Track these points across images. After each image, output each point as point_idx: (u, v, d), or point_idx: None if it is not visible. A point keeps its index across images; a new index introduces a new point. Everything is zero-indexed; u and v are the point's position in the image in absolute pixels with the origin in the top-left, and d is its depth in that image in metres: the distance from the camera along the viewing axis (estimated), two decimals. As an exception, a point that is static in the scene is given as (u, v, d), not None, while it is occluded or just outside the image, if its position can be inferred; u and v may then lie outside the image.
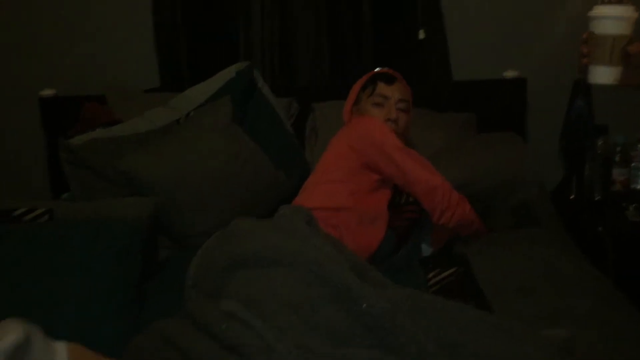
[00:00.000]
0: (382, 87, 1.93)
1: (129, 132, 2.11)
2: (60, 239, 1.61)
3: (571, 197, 2.42)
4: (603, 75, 1.19)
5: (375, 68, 2.52)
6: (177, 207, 1.95)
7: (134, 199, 1.84)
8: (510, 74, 2.51)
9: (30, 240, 1.58)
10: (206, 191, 1.96)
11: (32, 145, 2.61)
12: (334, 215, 1.74)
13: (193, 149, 1.99)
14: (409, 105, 1.96)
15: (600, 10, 1.17)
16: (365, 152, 1.81)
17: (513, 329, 1.13)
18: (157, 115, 2.18)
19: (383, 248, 1.78)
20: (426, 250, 1.90)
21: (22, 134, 2.66)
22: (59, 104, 2.54)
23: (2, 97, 2.66)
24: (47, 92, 2.55)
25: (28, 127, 2.61)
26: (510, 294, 1.55)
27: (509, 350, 1.08)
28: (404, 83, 1.98)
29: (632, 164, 2.41)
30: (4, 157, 2.69)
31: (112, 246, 1.62)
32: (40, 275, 1.52)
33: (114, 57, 2.61)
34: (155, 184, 1.91)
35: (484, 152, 2.06)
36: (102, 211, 1.75)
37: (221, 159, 1.98)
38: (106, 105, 2.38)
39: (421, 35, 2.50)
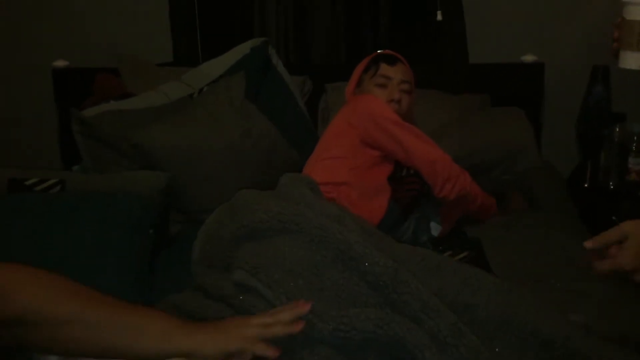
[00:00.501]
0: (384, 68, 1.93)
1: (143, 106, 2.10)
2: (72, 210, 1.61)
3: (585, 185, 2.40)
4: (631, 60, 1.20)
5: (392, 48, 2.50)
6: (190, 181, 1.95)
7: (147, 172, 1.83)
8: (528, 58, 2.47)
9: (42, 210, 1.58)
10: (219, 166, 1.95)
11: (44, 116, 2.60)
12: (334, 189, 1.77)
13: (207, 124, 1.97)
14: (411, 87, 1.97)
15: None
16: (365, 128, 1.82)
17: (525, 295, 1.12)
18: (170, 90, 2.16)
19: (387, 220, 1.78)
20: (435, 228, 1.89)
21: (34, 105, 2.65)
22: (71, 75, 2.52)
23: (15, 67, 2.65)
24: (60, 64, 2.53)
25: (40, 98, 2.60)
26: (523, 279, 1.53)
27: (520, 312, 1.07)
28: (407, 64, 1.98)
29: (649, 153, 2.38)
30: (16, 127, 2.69)
31: (124, 219, 1.62)
32: (51, 246, 1.52)
33: (128, 30, 2.59)
34: (168, 158, 1.91)
35: (485, 125, 2.15)
36: (114, 184, 1.75)
37: (234, 135, 1.97)
38: (119, 78, 2.36)
39: (439, 16, 2.46)
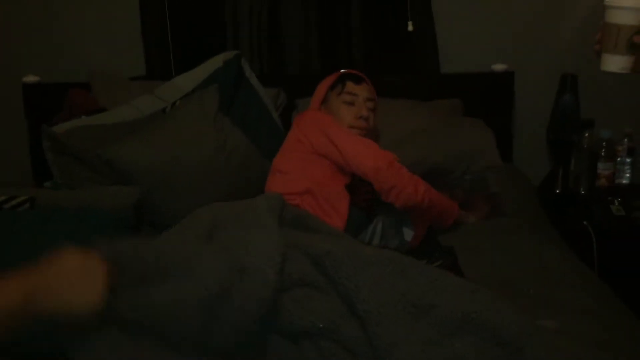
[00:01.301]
0: (351, 86, 2.02)
1: (115, 120, 2.09)
2: (41, 227, 1.59)
3: (557, 191, 2.43)
4: (610, 63, 1.21)
5: (365, 59, 2.53)
6: (163, 196, 1.93)
7: (118, 187, 1.82)
8: (498, 67, 2.50)
9: (10, 227, 1.56)
10: (193, 180, 1.94)
11: (15, 132, 2.56)
12: (297, 198, 1.83)
13: (180, 138, 1.97)
14: (375, 105, 2.05)
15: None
16: (312, 139, 1.90)
17: (491, 296, 1.14)
18: (143, 104, 2.15)
19: (351, 225, 1.81)
20: (408, 233, 1.90)
21: (5, 120, 2.61)
22: (42, 90, 2.50)
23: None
24: (31, 79, 2.50)
25: (11, 114, 2.56)
26: (497, 287, 1.55)
27: (485, 310, 1.09)
28: (370, 84, 2.07)
29: (618, 159, 2.43)
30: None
31: (94, 235, 1.59)
32: (19, 263, 1.49)
33: (100, 43, 2.57)
34: (140, 173, 1.90)
35: (446, 130, 2.20)
36: (85, 200, 1.73)
37: (208, 148, 1.97)
38: (91, 93, 2.34)
39: (410, 27, 2.49)
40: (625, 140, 2.42)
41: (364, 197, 1.84)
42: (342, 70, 2.10)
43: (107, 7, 2.55)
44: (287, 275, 1.15)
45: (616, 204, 2.29)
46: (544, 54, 2.53)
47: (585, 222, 2.19)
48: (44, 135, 1.97)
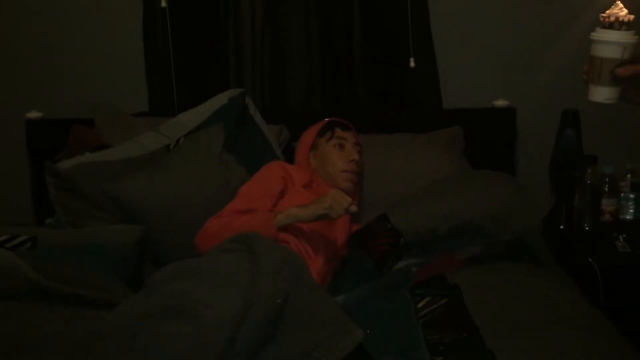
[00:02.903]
0: (340, 132, 2.12)
1: (119, 157, 2.09)
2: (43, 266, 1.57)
3: (561, 227, 2.42)
4: (595, 94, 1.25)
5: (367, 95, 2.55)
6: (166, 233, 1.93)
7: (120, 226, 1.82)
8: (500, 102, 2.52)
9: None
10: (197, 217, 1.93)
11: (17, 169, 2.56)
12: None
13: (185, 175, 1.98)
14: (362, 150, 2.15)
15: (595, 33, 1.22)
16: None
17: None
18: (147, 140, 2.16)
19: (351, 272, 1.86)
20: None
21: (6, 157, 2.61)
22: (45, 126, 2.50)
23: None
24: (34, 115, 2.51)
25: (13, 150, 2.56)
26: (503, 328, 1.53)
27: None
28: (354, 131, 2.17)
29: (621, 195, 2.42)
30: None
31: (96, 273, 1.58)
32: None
33: (103, 79, 2.59)
34: (145, 210, 1.90)
35: (475, 184, 2.05)
36: (87, 238, 1.72)
37: (213, 186, 1.98)
38: (94, 129, 2.35)
39: (412, 63, 2.51)
40: (629, 176, 2.42)
41: (379, 247, 1.83)
42: (326, 119, 2.17)
43: (111, 43, 2.58)
44: None
45: (621, 240, 2.27)
46: (545, 90, 2.55)
47: (590, 259, 2.18)
48: (48, 172, 1.97)
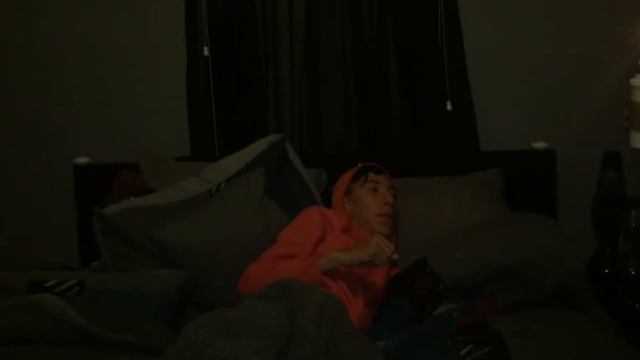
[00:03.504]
0: (373, 176, 2.14)
1: (162, 202, 2.15)
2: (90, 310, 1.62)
3: (606, 271, 2.37)
4: (638, 141, 1.22)
5: (404, 137, 2.56)
6: (209, 277, 1.97)
7: (163, 271, 1.86)
8: (538, 145, 2.50)
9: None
10: (240, 262, 1.97)
11: (64, 212, 2.64)
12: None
13: (227, 220, 2.02)
14: (396, 193, 2.16)
15: (636, 80, 1.21)
16: None
17: None
18: (189, 185, 2.21)
19: (387, 316, 1.85)
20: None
21: (55, 200, 2.70)
22: (92, 171, 2.59)
23: (37, 164, 2.71)
24: (81, 160, 2.60)
25: (61, 193, 2.65)
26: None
27: None
28: (388, 174, 2.18)
29: (668, 237, 2.36)
30: (36, 224, 2.73)
31: (142, 318, 1.62)
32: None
33: (147, 125, 2.68)
34: (189, 254, 1.94)
35: (515, 228, 2.03)
36: (132, 283, 1.77)
37: (254, 230, 2.01)
38: (139, 173, 2.42)
39: (449, 106, 2.53)
40: (674, 218, 2.36)
41: (419, 291, 1.83)
42: (360, 165, 2.20)
43: (155, 89, 2.67)
44: None
45: (669, 285, 2.21)
46: (584, 131, 2.53)
47: (637, 304, 2.12)
48: (95, 217, 2.03)
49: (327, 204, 2.29)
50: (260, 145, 2.27)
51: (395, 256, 1.77)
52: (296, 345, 1.25)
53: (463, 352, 1.69)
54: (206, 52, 2.56)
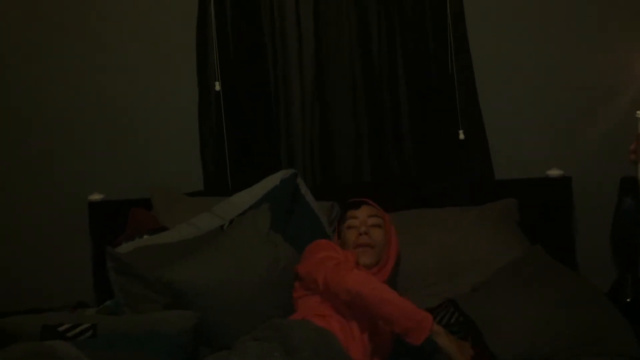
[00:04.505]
0: (350, 212, 2.14)
1: (175, 239, 2.15)
2: (104, 354, 1.62)
3: (627, 300, 2.32)
4: None
5: (417, 167, 2.53)
6: (219, 316, 1.96)
7: (177, 312, 1.85)
8: (554, 172, 2.47)
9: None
10: (248, 299, 1.98)
11: (80, 249, 2.65)
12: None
13: (234, 258, 2.02)
14: (381, 221, 2.11)
15: None
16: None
17: None
18: (202, 222, 2.22)
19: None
20: None
21: (70, 237, 2.71)
22: (106, 207, 2.60)
23: (52, 201, 2.73)
24: (96, 197, 2.62)
25: (76, 230, 2.67)
26: None
27: None
28: (373, 204, 2.15)
29: (690, 265, 2.31)
30: (52, 261, 2.74)
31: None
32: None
33: (161, 160, 2.69)
34: (197, 294, 1.94)
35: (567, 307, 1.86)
36: (145, 326, 1.76)
37: (262, 266, 2.01)
38: (152, 211, 2.43)
39: (461, 135, 2.51)
40: (696, 244, 2.31)
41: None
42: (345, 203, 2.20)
43: (168, 125, 2.69)
44: None
45: (693, 314, 2.15)
46: (600, 157, 2.49)
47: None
48: (108, 257, 2.03)
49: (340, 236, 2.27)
50: (272, 181, 2.27)
51: None
52: None
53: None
54: (217, 87, 2.58)
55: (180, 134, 2.68)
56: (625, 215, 2.34)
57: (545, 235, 2.26)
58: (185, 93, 2.64)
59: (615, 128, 2.46)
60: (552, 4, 2.51)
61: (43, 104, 2.73)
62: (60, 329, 1.72)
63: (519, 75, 2.55)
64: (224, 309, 1.96)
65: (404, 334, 1.67)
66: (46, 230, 2.74)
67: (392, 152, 2.59)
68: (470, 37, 2.51)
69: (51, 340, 1.66)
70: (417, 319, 1.67)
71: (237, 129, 2.61)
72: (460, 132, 2.51)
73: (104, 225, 2.55)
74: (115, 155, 2.71)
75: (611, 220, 2.38)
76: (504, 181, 2.52)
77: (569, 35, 2.51)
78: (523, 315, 1.82)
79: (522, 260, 2.10)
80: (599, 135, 2.50)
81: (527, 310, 1.84)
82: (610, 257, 2.47)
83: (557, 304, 1.84)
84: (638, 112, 1.20)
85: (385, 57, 2.57)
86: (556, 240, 2.30)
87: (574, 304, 1.84)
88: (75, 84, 2.70)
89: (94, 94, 2.70)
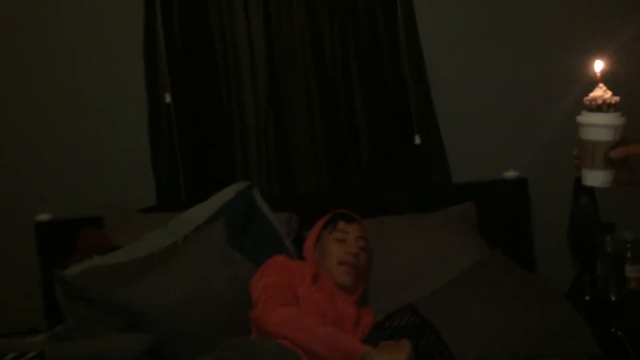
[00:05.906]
0: (343, 225, 2.09)
1: (128, 258, 2.08)
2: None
3: (586, 298, 2.34)
4: (591, 178, 1.22)
5: (374, 174, 2.52)
6: (176, 336, 1.90)
7: (130, 336, 1.79)
8: (510, 174, 2.49)
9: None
10: (206, 318, 1.93)
11: (28, 272, 2.54)
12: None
13: (190, 276, 1.97)
14: (367, 245, 2.11)
15: (583, 117, 1.19)
16: None
17: None
18: (155, 239, 2.15)
19: None
20: None
21: (17, 260, 2.59)
22: (55, 227, 2.50)
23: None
24: (43, 217, 2.51)
25: (23, 253, 2.55)
26: None
27: None
28: (362, 224, 2.14)
29: (645, 260, 2.34)
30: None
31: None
32: None
33: (110, 176, 2.60)
34: (152, 314, 1.88)
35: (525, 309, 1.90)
36: (95, 349, 1.69)
37: (219, 283, 1.97)
38: (103, 230, 2.34)
39: (417, 140, 2.51)
40: (651, 240, 2.35)
41: None
42: (335, 211, 2.15)
43: (116, 139, 2.60)
44: None
45: (651, 309, 2.18)
46: (555, 158, 2.51)
47: (619, 332, 2.08)
48: (56, 280, 1.95)
49: (298, 248, 2.24)
50: (226, 194, 2.22)
51: None
52: None
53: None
54: (168, 100, 2.51)
55: (131, 149, 2.59)
56: (581, 215, 2.36)
57: (503, 237, 2.28)
58: (134, 106, 2.56)
59: (566, 129, 2.48)
60: (503, 13, 2.54)
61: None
62: (6, 358, 1.63)
63: (472, 79, 2.56)
64: (182, 329, 1.90)
65: None
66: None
67: (350, 160, 2.57)
68: (423, 42, 2.51)
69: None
70: (347, 349, 1.75)
71: (190, 142, 2.54)
72: (417, 137, 2.51)
73: (53, 247, 2.44)
74: (63, 172, 2.61)
75: (567, 220, 2.40)
76: (461, 185, 2.52)
77: (520, 41, 2.54)
78: (482, 317, 1.83)
79: (481, 264, 2.11)
80: (551, 136, 2.52)
81: (487, 312, 1.85)
82: (568, 257, 2.49)
83: (516, 305, 1.86)
84: (578, 117, 1.20)
85: (339, 65, 2.55)
86: (515, 241, 2.31)
87: (533, 305, 1.86)
88: (19, 98, 2.59)
89: (38, 109, 2.60)
